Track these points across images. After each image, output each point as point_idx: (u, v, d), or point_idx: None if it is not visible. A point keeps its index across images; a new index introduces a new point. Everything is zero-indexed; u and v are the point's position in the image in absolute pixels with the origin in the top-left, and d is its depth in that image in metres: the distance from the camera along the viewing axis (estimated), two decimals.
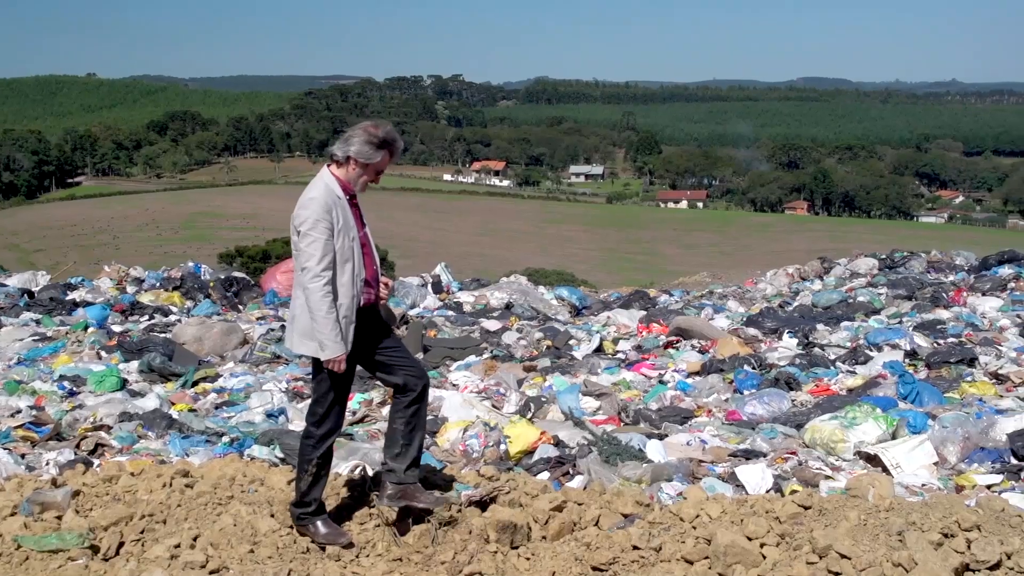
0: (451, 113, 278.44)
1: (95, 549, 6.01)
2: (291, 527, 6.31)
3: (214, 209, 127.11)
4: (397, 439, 6.31)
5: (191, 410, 10.90)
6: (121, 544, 6.12)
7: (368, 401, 11.16)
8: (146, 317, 16.81)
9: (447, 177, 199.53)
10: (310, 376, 12.72)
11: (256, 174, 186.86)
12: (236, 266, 34.50)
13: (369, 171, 6.04)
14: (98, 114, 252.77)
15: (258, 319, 16.95)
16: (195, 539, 6.09)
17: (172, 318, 16.78)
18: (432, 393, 11.23)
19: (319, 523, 6.24)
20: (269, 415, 10.47)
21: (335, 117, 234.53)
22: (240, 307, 18.62)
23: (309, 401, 6.38)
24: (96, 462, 8.49)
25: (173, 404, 11.09)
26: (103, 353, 13.80)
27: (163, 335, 14.80)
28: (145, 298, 18.30)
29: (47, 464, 8.29)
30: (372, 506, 6.59)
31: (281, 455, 8.56)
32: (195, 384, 12.31)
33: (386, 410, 10.67)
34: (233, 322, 15.90)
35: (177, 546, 5.97)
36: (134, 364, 12.99)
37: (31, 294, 18.15)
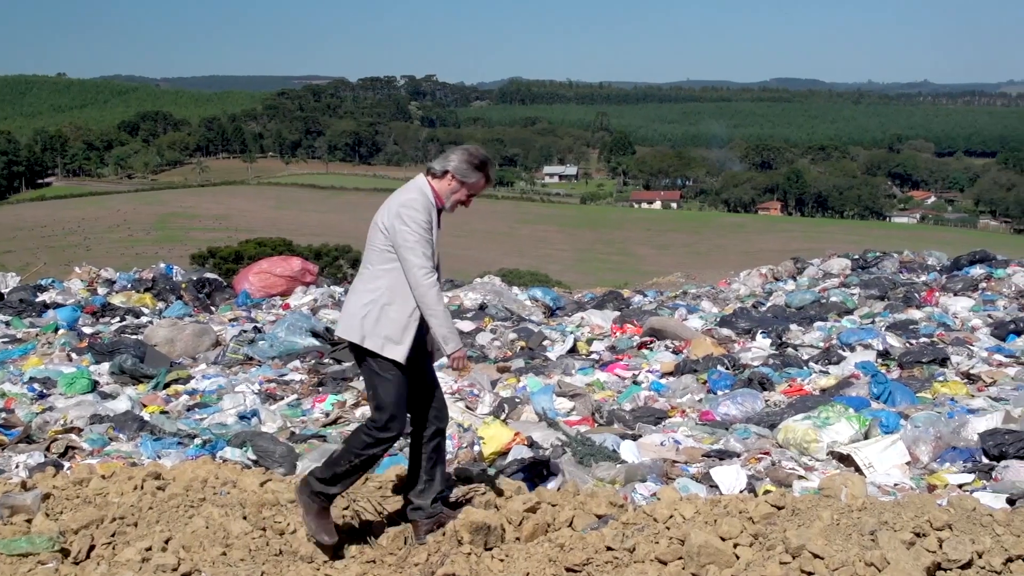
0: (424, 113, 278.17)
1: (65, 552, 5.97)
2: (264, 529, 6.29)
3: (186, 210, 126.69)
4: (419, 475, 6.35)
5: (163, 412, 10.85)
6: (92, 547, 6.08)
7: (341, 403, 11.13)
8: (117, 319, 16.71)
9: (420, 176, 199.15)
10: (283, 378, 12.69)
11: (228, 175, 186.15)
12: (208, 267, 34.37)
13: (463, 190, 6.16)
14: (68, 114, 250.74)
15: (230, 320, 16.89)
16: (167, 542, 6.06)
17: (144, 320, 16.68)
18: None
19: (320, 509, 6.14)
20: (241, 417, 10.43)
21: (308, 117, 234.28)
22: (212, 309, 18.54)
23: (369, 407, 6.30)
24: (66, 465, 8.44)
25: (145, 406, 11.03)
26: (74, 355, 13.71)
27: (134, 337, 14.72)
28: (116, 299, 18.19)
29: (17, 467, 8.24)
30: (346, 507, 6.58)
31: (253, 457, 8.53)
32: (167, 386, 12.25)
33: (360, 412, 10.65)
34: (205, 324, 15.83)
35: (148, 549, 5.94)
36: (105, 366, 12.91)
37: (0, 296, 18.02)
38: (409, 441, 6.49)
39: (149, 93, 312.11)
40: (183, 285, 19.29)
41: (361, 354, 6.12)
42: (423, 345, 6.20)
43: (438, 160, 6.24)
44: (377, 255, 6.09)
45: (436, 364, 6.59)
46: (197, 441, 9.27)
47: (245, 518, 6.41)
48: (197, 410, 11.03)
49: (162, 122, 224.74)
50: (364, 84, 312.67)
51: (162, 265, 21.11)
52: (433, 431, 6.31)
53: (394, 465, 7.56)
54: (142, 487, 6.91)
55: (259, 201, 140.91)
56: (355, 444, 6.12)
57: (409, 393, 6.18)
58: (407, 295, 5.97)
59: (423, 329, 6.10)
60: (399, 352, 6.00)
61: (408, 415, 6.25)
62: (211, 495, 6.85)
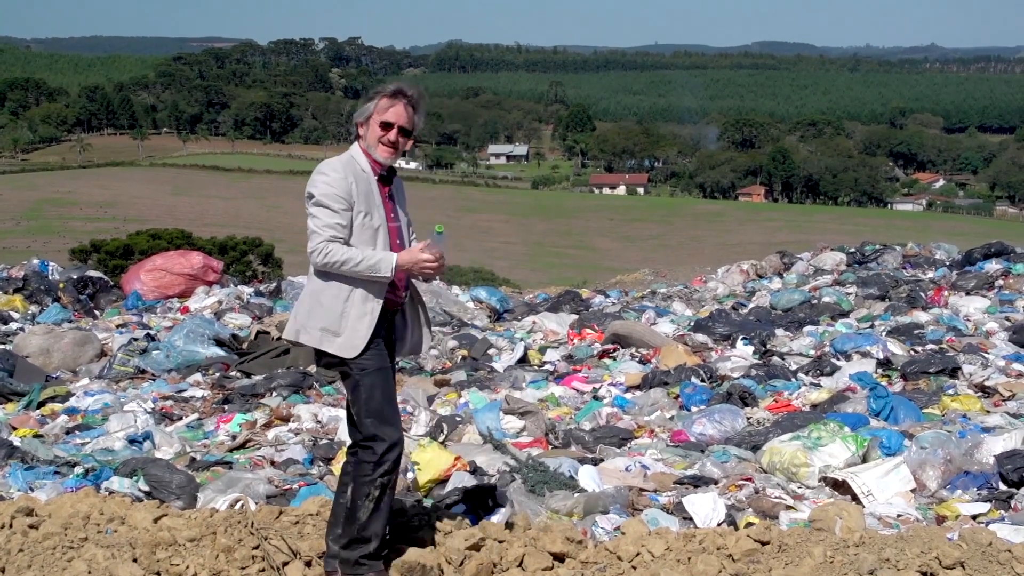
0: (348, 83, 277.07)
1: None
2: (157, 574, 6.23)
3: (64, 195, 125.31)
4: (340, 513, 6.23)
5: (36, 436, 10.74)
6: None
7: (251, 423, 11.08)
8: None
9: None
10: (181, 395, 12.62)
11: (115, 154, 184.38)
12: (91, 264, 34.03)
13: (375, 128, 6.06)
14: None
15: (118, 327, 16.76)
16: None
17: (13, 326, 16.53)
18: (327, 413, 11.20)
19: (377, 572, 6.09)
20: (132, 441, 10.35)
21: (209, 87, 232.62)
22: (96, 313, 18.40)
23: (349, 416, 6.22)
24: None
25: (14, 429, 10.92)
26: None
27: (1, 346, 14.57)
28: None
29: None
30: (256, 546, 6.54)
31: (146, 488, 8.46)
32: (41, 405, 12.14)
33: (272, 433, 10.60)
34: (88, 330, 15.70)
35: None
36: None
37: None
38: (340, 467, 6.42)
39: (18, 57, 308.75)
40: (61, 285, 19.12)
41: (329, 362, 6.11)
42: (387, 342, 6.16)
43: None
44: None
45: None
46: (78, 470, 9.18)
47: (136, 560, 6.35)
48: (78, 433, 10.94)
49: (34, 91, 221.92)
50: (276, 48, 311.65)
51: (35, 261, 20.93)
52: (376, 456, 6.25)
53: (315, 496, 7.53)
54: (11, 525, 6.84)
55: (152, 185, 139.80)
56: (361, 477, 6.05)
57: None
58: (345, 278, 5.95)
59: (381, 322, 6.05)
60: (342, 345, 5.96)
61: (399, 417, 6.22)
62: (95, 534, 6.78)
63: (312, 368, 13.27)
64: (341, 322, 5.95)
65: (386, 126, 6.05)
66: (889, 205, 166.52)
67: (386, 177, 6.17)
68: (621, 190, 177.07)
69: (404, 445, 6.19)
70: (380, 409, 6.01)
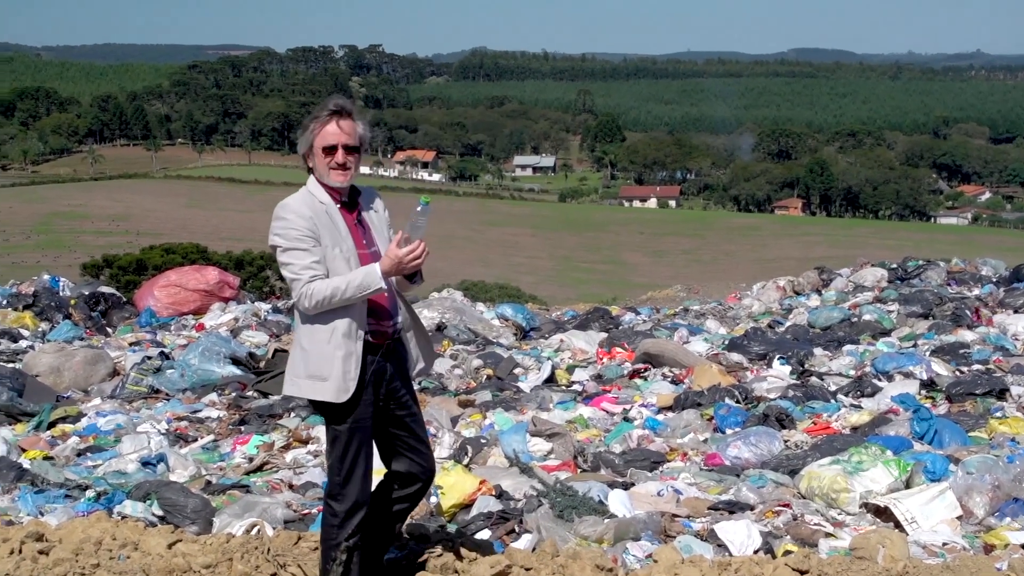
0: (369, 92, 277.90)
1: None
2: None
3: (75, 209, 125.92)
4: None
5: (47, 458, 10.78)
6: None
7: (268, 445, 11.10)
8: None
9: (364, 170, 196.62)
10: (196, 415, 12.66)
11: (128, 166, 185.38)
12: (103, 279, 34.17)
13: (318, 152, 5.99)
14: None
15: (131, 345, 16.82)
16: None
17: (23, 344, 16.59)
18: None
19: None
20: (145, 463, 10.37)
21: (225, 96, 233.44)
22: (109, 330, 18.47)
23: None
24: None
25: (24, 451, 10.96)
26: None
27: (11, 365, 14.63)
28: None
29: None
30: (273, 574, 6.55)
31: (160, 512, 8.48)
32: (52, 425, 12.18)
33: (290, 455, 10.62)
34: (100, 348, 15.76)
35: None
36: None
37: None
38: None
39: (28, 65, 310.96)
40: (72, 301, 19.20)
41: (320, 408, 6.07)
42: (384, 385, 6.08)
43: None
44: None
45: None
46: (89, 493, 9.21)
47: None
48: (90, 455, 10.97)
49: (44, 101, 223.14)
50: (294, 56, 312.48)
51: (45, 277, 21.00)
52: (409, 492, 6.27)
53: None
54: (20, 551, 6.86)
55: (166, 198, 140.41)
56: (327, 539, 6.07)
57: (381, 436, 6.15)
58: (321, 315, 5.87)
59: (377, 364, 6.00)
60: (332, 391, 5.88)
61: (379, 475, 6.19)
62: (107, 560, 6.80)
63: None
64: (328, 365, 5.86)
65: (329, 150, 5.96)
66: (932, 219, 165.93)
67: (349, 203, 6.08)
68: (652, 203, 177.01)
69: (367, 511, 6.08)
70: (351, 468, 5.97)
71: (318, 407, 6.02)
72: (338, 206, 6.00)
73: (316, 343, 5.87)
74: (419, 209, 5.80)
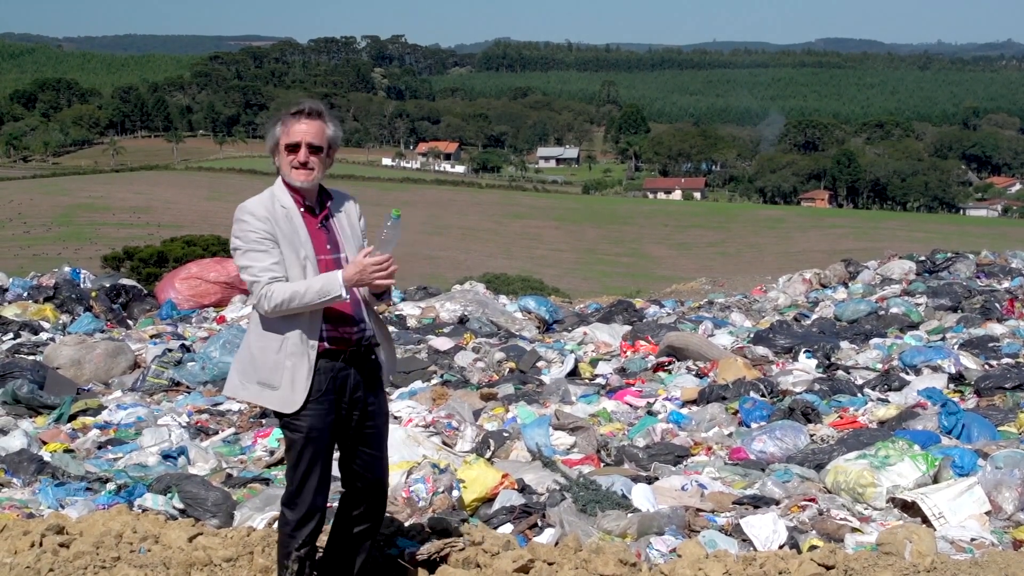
0: (391, 83, 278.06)
1: None
2: None
3: (96, 200, 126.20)
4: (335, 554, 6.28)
5: (67, 451, 10.80)
6: None
7: None
8: (10, 335, 16.67)
9: (386, 162, 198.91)
10: (217, 408, 12.68)
11: (149, 157, 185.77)
12: (124, 272, 34.35)
13: (280, 152, 5.93)
14: None
15: (152, 337, 16.84)
16: None
17: (44, 336, 16.64)
18: None
19: None
20: (166, 456, 10.40)
21: (247, 87, 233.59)
22: (129, 323, 18.51)
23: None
24: None
25: (44, 443, 10.98)
26: None
27: (32, 357, 14.68)
28: (9, 311, 18.13)
29: None
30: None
31: (180, 506, 8.50)
32: (72, 418, 12.21)
33: None
34: (121, 341, 15.80)
35: None
36: None
37: None
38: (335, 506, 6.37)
39: (49, 56, 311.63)
40: (93, 294, 19.25)
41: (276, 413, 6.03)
42: (348, 393, 6.01)
43: None
44: None
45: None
46: (110, 486, 9.23)
47: None
48: (110, 448, 10.99)
49: (65, 92, 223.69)
50: (316, 46, 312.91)
51: (67, 269, 21.07)
52: (358, 511, 6.24)
53: None
54: (41, 544, 6.88)
55: (187, 190, 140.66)
56: (281, 547, 6.07)
57: (345, 445, 6.10)
58: (273, 323, 5.82)
59: (339, 372, 5.94)
60: (279, 400, 5.83)
61: (332, 488, 6.14)
62: (127, 553, 6.82)
63: None
64: (276, 374, 5.81)
65: (293, 148, 5.88)
66: (961, 211, 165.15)
67: (314, 207, 6.00)
68: (677, 195, 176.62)
69: (322, 522, 6.07)
70: (305, 478, 5.92)
71: (273, 412, 5.99)
72: (301, 209, 5.93)
73: (266, 351, 5.82)
74: (389, 223, 5.74)
